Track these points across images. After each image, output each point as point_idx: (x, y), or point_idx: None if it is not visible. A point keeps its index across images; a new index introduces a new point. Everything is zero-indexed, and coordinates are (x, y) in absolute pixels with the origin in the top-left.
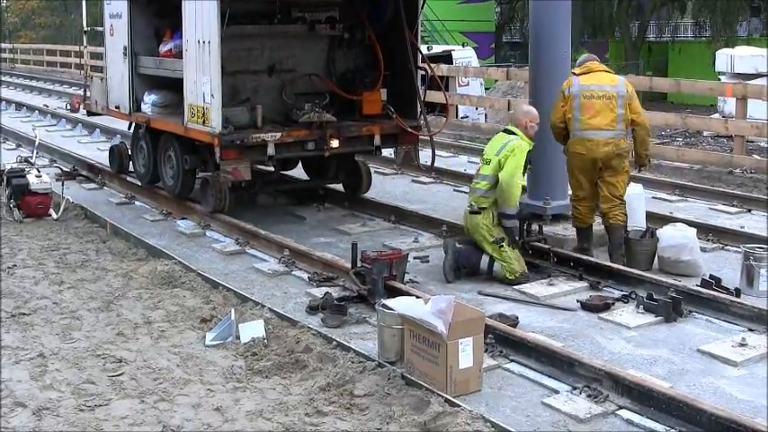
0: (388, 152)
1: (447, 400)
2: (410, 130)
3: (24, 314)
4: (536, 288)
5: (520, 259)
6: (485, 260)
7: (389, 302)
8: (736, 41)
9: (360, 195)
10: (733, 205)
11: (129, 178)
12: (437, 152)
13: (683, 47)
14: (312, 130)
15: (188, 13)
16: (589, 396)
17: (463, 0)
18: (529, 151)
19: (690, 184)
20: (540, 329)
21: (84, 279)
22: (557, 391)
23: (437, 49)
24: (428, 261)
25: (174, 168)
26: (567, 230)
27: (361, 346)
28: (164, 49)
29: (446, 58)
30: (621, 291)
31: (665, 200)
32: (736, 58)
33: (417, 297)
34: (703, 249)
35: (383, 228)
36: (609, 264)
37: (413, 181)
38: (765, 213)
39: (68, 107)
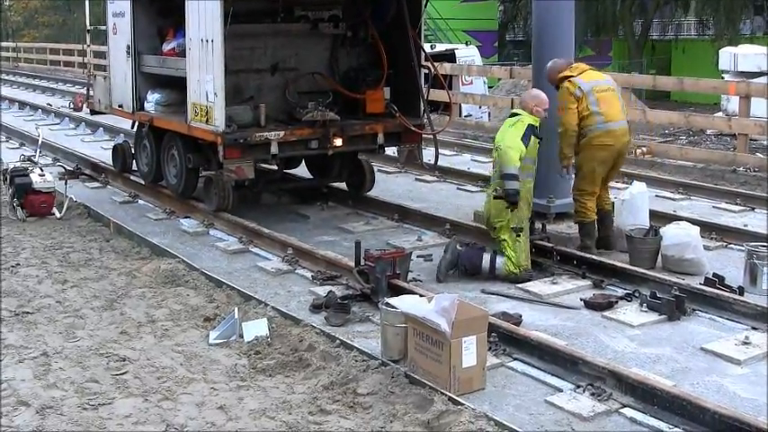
0: (391, 151)
1: (450, 399)
2: (413, 128)
3: (28, 313)
4: (539, 286)
5: (528, 255)
6: (486, 259)
7: (393, 301)
8: (740, 40)
9: (363, 194)
10: (736, 204)
11: (132, 177)
12: (440, 151)
13: (686, 45)
14: (315, 129)
15: (191, 11)
16: (592, 394)
17: None
18: (534, 126)
19: (693, 182)
20: (543, 328)
21: (88, 278)
22: (560, 390)
23: (440, 47)
24: (431, 260)
25: (178, 167)
26: (571, 229)
27: (364, 345)
28: (167, 47)
29: (449, 56)
30: (625, 289)
31: (668, 198)
32: (740, 56)
33: (421, 295)
34: (707, 248)
35: (386, 226)
36: (612, 262)
37: (416, 179)
38: None
39: (71, 106)
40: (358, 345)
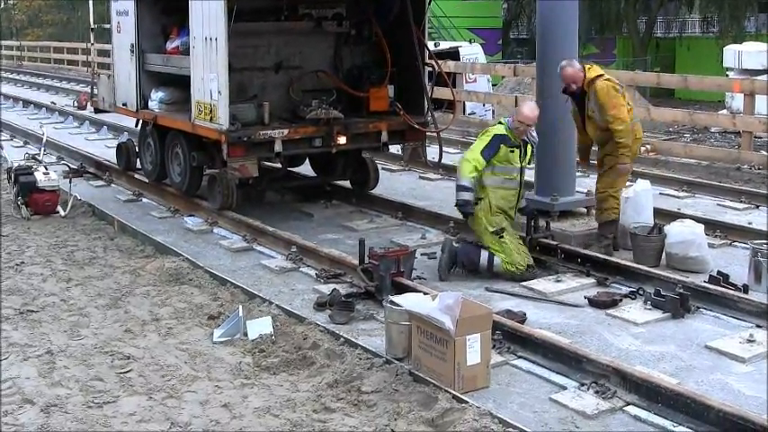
0: (395, 149)
1: (455, 397)
2: (417, 126)
3: (32, 311)
4: (543, 284)
5: (523, 251)
6: (484, 257)
7: (397, 299)
8: (744, 37)
9: (367, 192)
10: (741, 201)
11: (136, 175)
12: (444, 148)
13: (690, 43)
14: (319, 127)
15: (195, 10)
16: (597, 392)
17: None
18: (503, 135)
19: (697, 180)
20: (547, 326)
21: (92, 276)
22: (564, 388)
23: (444, 45)
24: (435, 257)
25: (182, 165)
26: (575, 227)
27: (368, 343)
28: (171, 46)
29: (453, 54)
30: (629, 287)
31: (672, 196)
32: (744, 53)
33: (425, 293)
34: (711, 246)
35: (390, 224)
36: (617, 260)
37: (420, 177)
38: None
39: (76, 105)
40: (362, 343)
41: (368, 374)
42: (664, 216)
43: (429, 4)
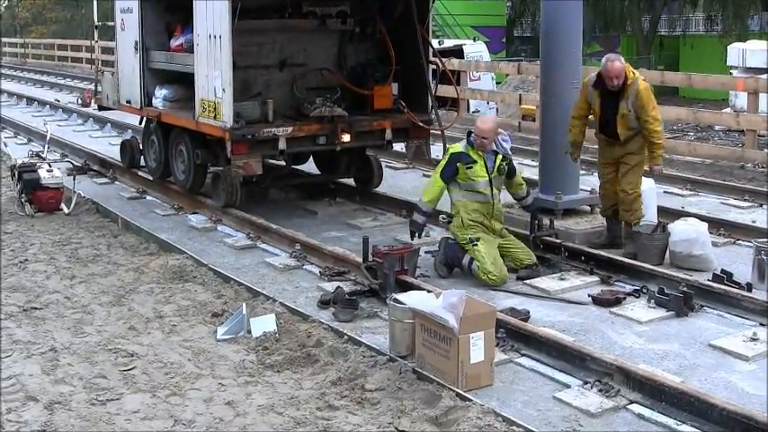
0: (399, 146)
1: (458, 395)
2: (421, 124)
3: (36, 308)
4: (547, 282)
5: (497, 262)
6: (467, 258)
7: (401, 297)
8: (748, 36)
9: (371, 190)
10: (744, 200)
11: (140, 173)
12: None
13: (694, 41)
14: (323, 125)
15: (199, 7)
16: (600, 390)
17: None
18: (460, 153)
19: (701, 178)
20: (551, 324)
21: (96, 273)
22: (568, 386)
23: (448, 43)
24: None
25: (186, 163)
26: (579, 225)
27: (372, 341)
28: (175, 43)
29: (457, 52)
30: (633, 285)
31: (676, 194)
32: (748, 52)
33: (429, 291)
34: (715, 244)
35: (394, 222)
36: (620, 258)
37: (424, 175)
38: None
39: (80, 102)
40: (366, 340)
41: (371, 372)
42: (668, 214)
43: (433, 2)
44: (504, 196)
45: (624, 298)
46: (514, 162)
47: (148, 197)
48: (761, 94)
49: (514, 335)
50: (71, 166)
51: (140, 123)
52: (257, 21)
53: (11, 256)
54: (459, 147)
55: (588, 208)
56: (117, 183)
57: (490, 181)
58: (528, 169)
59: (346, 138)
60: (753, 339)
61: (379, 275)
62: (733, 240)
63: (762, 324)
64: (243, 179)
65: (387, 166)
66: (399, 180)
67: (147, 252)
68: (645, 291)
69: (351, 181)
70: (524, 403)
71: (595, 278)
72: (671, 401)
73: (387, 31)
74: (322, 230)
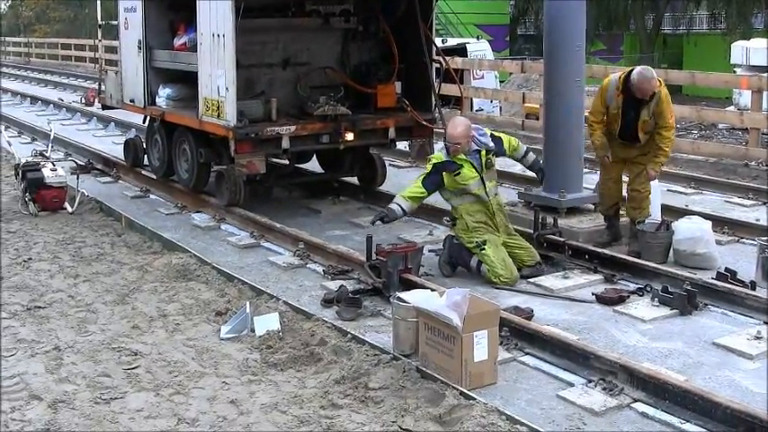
0: (402, 145)
1: (462, 393)
2: (425, 122)
3: (40, 307)
4: (551, 281)
5: (507, 265)
6: (475, 260)
7: (404, 295)
8: (752, 34)
9: (375, 188)
10: (748, 198)
11: (143, 172)
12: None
13: (698, 39)
14: (327, 124)
15: (202, 6)
16: (604, 389)
17: None
18: (442, 163)
19: (705, 176)
20: (554, 322)
21: (100, 272)
22: (572, 384)
23: (452, 41)
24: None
25: (189, 162)
26: (582, 223)
27: (375, 339)
28: (178, 42)
29: (461, 50)
30: (637, 283)
31: (680, 192)
32: (752, 50)
33: (432, 290)
34: (719, 242)
35: (398, 221)
36: (624, 256)
37: None
38: None
39: (83, 101)
40: (369, 339)
41: (375, 371)
42: (671, 213)
43: (436, 0)
44: (508, 195)
45: (628, 296)
46: (503, 135)
47: (152, 196)
48: (764, 93)
49: (518, 333)
50: (75, 164)
51: (144, 122)
52: (260, 19)
53: (15, 255)
54: (441, 156)
55: (592, 206)
56: (120, 182)
57: (482, 179)
58: None
59: (350, 136)
60: (757, 338)
61: (382, 274)
62: (737, 238)
63: (766, 322)
64: (246, 178)
65: (390, 165)
66: (403, 179)
67: (151, 251)
68: (649, 289)
69: (354, 179)
70: (528, 402)
71: (599, 276)
72: (675, 400)
73: (390, 30)
74: (325, 229)
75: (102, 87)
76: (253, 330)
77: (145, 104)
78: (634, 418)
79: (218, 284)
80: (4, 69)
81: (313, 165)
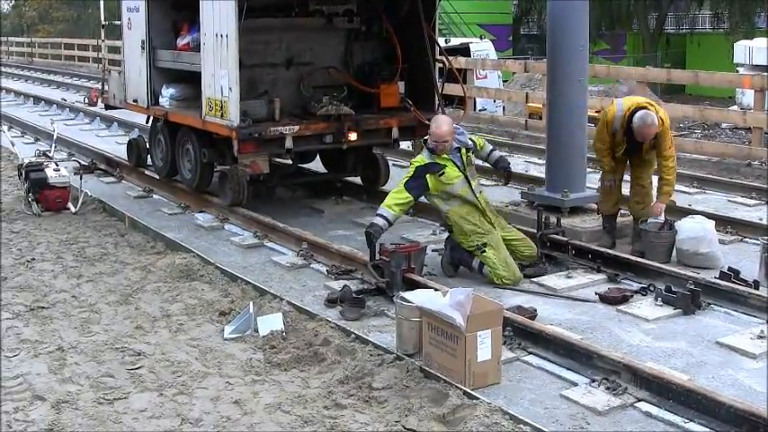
0: (406, 145)
1: (465, 393)
2: (428, 122)
3: (43, 308)
4: (554, 280)
5: (509, 265)
6: (476, 262)
7: (408, 295)
8: (755, 33)
9: (378, 188)
10: (751, 197)
11: (147, 172)
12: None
13: (701, 39)
14: (330, 123)
15: (206, 6)
16: (608, 389)
17: None
18: (425, 165)
19: (708, 176)
20: (558, 322)
21: (103, 272)
22: (575, 384)
23: (455, 41)
24: None
25: (192, 162)
26: (585, 223)
27: (379, 339)
28: (181, 42)
29: (464, 50)
30: (640, 283)
31: (683, 192)
32: (755, 49)
33: (436, 290)
34: (722, 242)
35: (401, 220)
36: (627, 256)
37: None
38: None
39: (86, 101)
40: (373, 339)
41: (379, 371)
42: (675, 212)
43: (440, 0)
44: (509, 195)
45: (631, 296)
46: (472, 136)
47: (155, 196)
48: (767, 92)
49: (521, 333)
50: (78, 165)
51: (147, 122)
52: (264, 19)
53: (18, 256)
54: (423, 158)
55: (595, 206)
56: (124, 182)
57: (466, 177)
58: (535, 167)
59: (353, 136)
60: (760, 337)
61: (386, 274)
62: (740, 238)
63: None
64: (250, 178)
65: (393, 165)
66: None
67: (154, 251)
68: (652, 289)
69: (357, 179)
70: (531, 401)
71: (602, 276)
72: (678, 399)
73: (393, 30)
74: (329, 229)
75: (106, 87)
76: (256, 330)
77: (148, 104)
78: (638, 418)
79: (222, 284)
80: (7, 69)
81: (316, 165)
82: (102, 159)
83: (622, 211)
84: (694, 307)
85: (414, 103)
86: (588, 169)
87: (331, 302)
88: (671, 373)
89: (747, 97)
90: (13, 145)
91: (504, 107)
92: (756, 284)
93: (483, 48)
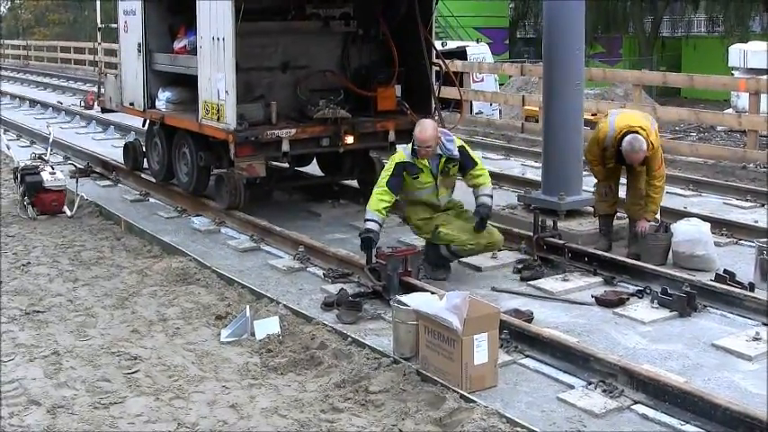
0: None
1: (462, 396)
2: None
3: (39, 312)
4: (551, 283)
5: (467, 229)
6: (443, 248)
7: (404, 298)
8: (750, 37)
9: None
10: (746, 200)
11: (143, 175)
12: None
13: (696, 42)
14: (327, 127)
15: (202, 9)
16: (604, 391)
17: None
18: (405, 163)
19: (703, 179)
20: (554, 325)
21: (99, 276)
22: (572, 387)
23: (451, 44)
24: None
25: (189, 165)
26: (582, 226)
27: (376, 343)
28: (178, 45)
29: (460, 54)
30: (636, 286)
31: (679, 195)
32: (750, 53)
33: (432, 293)
34: (717, 244)
35: (398, 224)
36: (623, 259)
37: None
38: None
39: (83, 104)
40: (370, 342)
41: (375, 374)
42: (670, 215)
43: (436, 3)
44: (507, 198)
45: (627, 298)
46: (478, 157)
47: (151, 199)
48: (762, 95)
49: (518, 336)
50: (74, 168)
51: (143, 126)
52: (260, 23)
53: (13, 259)
54: (404, 155)
55: (591, 209)
56: (120, 185)
57: (436, 185)
58: (531, 170)
59: (350, 139)
60: (755, 339)
61: (382, 277)
62: (735, 240)
63: (764, 324)
64: (246, 181)
65: None
66: None
67: (151, 255)
68: (648, 291)
69: (354, 183)
70: (528, 404)
71: (599, 279)
72: (675, 401)
73: (390, 33)
74: (325, 232)
75: (102, 90)
76: (253, 334)
77: (144, 108)
78: (634, 420)
79: (218, 288)
80: (3, 72)
81: (313, 168)
82: (98, 163)
83: (619, 214)
84: (690, 309)
85: (410, 106)
86: (584, 172)
87: (328, 306)
88: (667, 375)
89: (742, 100)
90: (8, 148)
91: (500, 110)
92: (752, 287)
93: (479, 51)
